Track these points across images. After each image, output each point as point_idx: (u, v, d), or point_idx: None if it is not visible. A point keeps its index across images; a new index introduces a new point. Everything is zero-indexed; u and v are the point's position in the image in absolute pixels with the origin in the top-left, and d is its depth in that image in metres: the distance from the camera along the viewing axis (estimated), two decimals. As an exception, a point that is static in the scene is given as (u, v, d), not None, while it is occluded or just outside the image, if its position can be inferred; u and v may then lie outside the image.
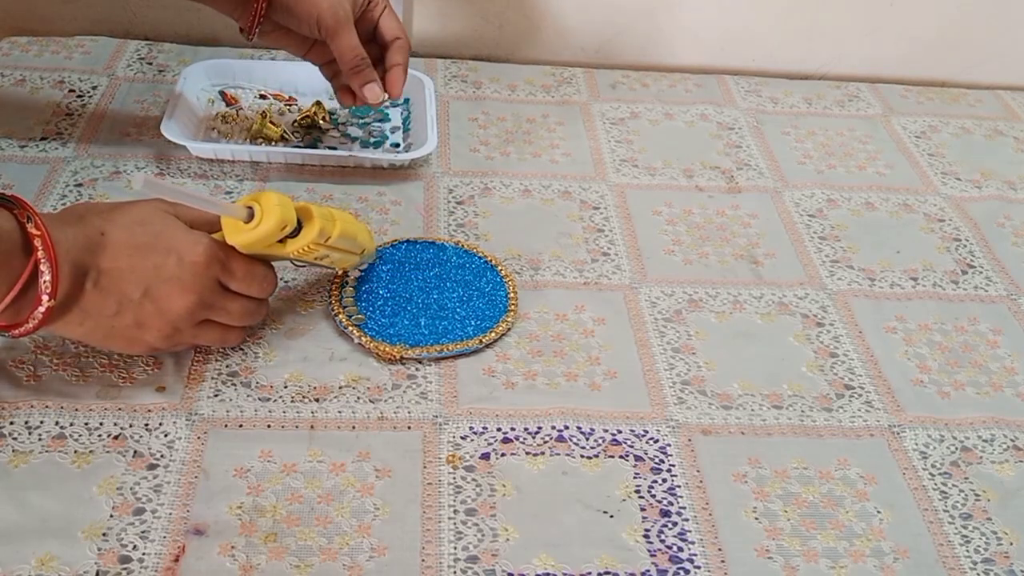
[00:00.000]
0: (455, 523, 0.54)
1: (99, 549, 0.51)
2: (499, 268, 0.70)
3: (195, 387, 0.60)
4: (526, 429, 0.60)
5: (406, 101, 0.88)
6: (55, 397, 0.58)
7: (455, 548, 0.53)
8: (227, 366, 0.62)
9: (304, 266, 0.67)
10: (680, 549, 0.54)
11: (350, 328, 0.64)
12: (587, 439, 0.60)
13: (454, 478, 0.57)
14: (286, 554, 0.52)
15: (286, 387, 0.61)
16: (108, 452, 0.56)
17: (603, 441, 0.60)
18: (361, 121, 0.86)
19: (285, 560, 0.51)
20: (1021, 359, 0.69)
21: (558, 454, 0.59)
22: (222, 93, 0.87)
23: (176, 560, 0.51)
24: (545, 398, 0.62)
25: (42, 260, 0.49)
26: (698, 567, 0.53)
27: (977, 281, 0.76)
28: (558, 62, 1.00)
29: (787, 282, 0.74)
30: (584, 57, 1.02)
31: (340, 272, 0.68)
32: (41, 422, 0.57)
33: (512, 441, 0.59)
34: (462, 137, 0.86)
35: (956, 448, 0.62)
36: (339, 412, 0.60)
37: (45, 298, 0.50)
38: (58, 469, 0.55)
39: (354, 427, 0.59)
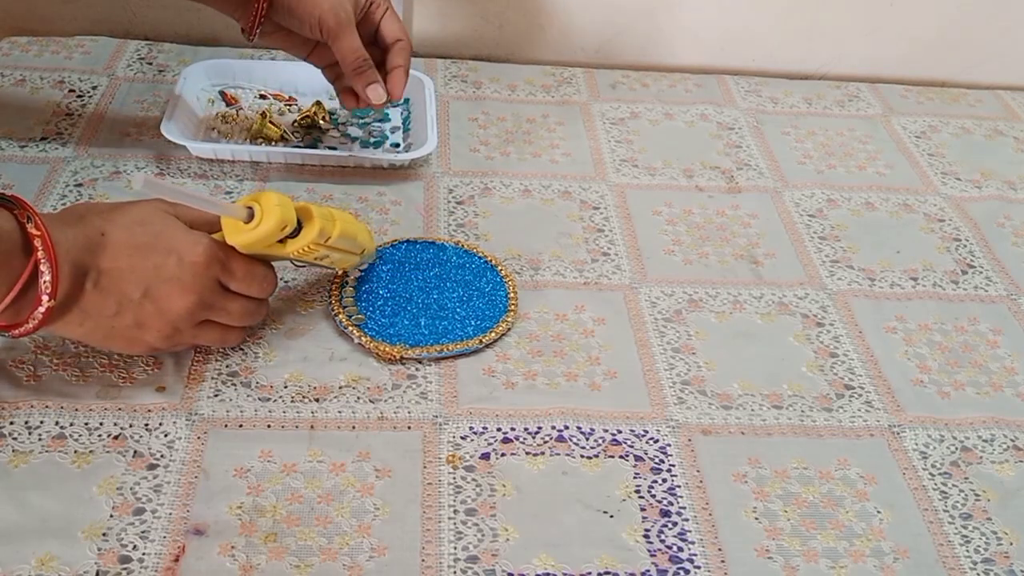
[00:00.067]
0: (455, 523, 0.54)
1: (99, 549, 0.51)
2: (499, 268, 0.70)
3: (195, 387, 0.60)
4: (526, 429, 0.60)
5: (406, 101, 0.88)
6: (55, 397, 0.58)
7: (455, 548, 0.53)
8: (227, 366, 0.62)
9: (304, 266, 0.67)
10: (680, 549, 0.54)
11: (350, 328, 0.64)
12: (587, 439, 0.60)
13: (454, 478, 0.57)
14: (286, 554, 0.52)
15: (286, 387, 0.61)
16: (108, 452, 0.56)
17: (603, 441, 0.60)
18: (361, 121, 0.86)
19: (285, 560, 0.51)
20: (1021, 359, 0.69)
21: (558, 454, 0.59)
22: (222, 93, 0.87)
23: (176, 560, 0.51)
24: (545, 398, 0.62)
25: (42, 260, 0.49)
26: (698, 567, 0.53)
27: (977, 281, 0.76)
28: (558, 62, 1.00)
29: (787, 282, 0.74)
30: (584, 57, 1.02)
31: (340, 272, 0.68)
32: (41, 422, 0.57)
33: (512, 441, 0.59)
34: (462, 137, 0.86)
35: (956, 448, 0.62)
36: (339, 412, 0.60)
37: (45, 298, 0.50)
38: (58, 469, 0.55)
39: (354, 427, 0.59)
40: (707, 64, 1.02)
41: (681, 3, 0.99)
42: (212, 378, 0.61)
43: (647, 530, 0.55)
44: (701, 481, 0.58)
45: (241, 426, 0.58)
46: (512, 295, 0.68)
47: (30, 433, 0.56)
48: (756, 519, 0.56)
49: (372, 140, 0.84)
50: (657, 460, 0.59)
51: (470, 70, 0.96)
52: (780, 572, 0.54)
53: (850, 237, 0.79)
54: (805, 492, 0.58)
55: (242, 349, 0.63)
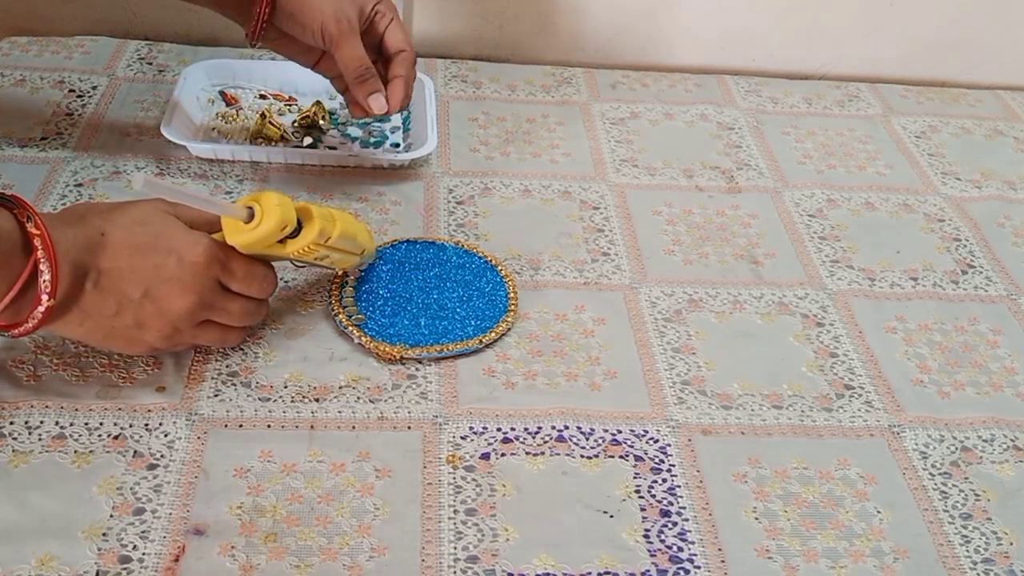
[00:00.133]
0: (455, 523, 0.54)
1: (99, 549, 0.51)
2: (499, 268, 0.70)
3: (195, 387, 0.60)
4: (526, 429, 0.60)
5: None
6: (55, 397, 0.58)
7: (455, 548, 0.53)
8: (227, 366, 0.62)
9: (304, 266, 0.67)
10: (680, 549, 0.54)
11: (350, 328, 0.64)
12: (587, 439, 0.60)
13: (454, 478, 0.57)
14: (286, 554, 0.52)
15: (286, 387, 0.61)
16: (108, 452, 0.56)
17: (603, 441, 0.60)
18: (361, 121, 0.86)
19: (285, 560, 0.51)
20: (1021, 359, 0.69)
21: (558, 454, 0.59)
22: (222, 93, 0.87)
23: (176, 560, 0.51)
24: (545, 398, 0.62)
25: (42, 260, 0.49)
26: (698, 567, 0.53)
27: (977, 281, 0.76)
28: (558, 62, 1.00)
29: (787, 282, 0.74)
30: (584, 57, 1.02)
31: (340, 272, 0.68)
32: (41, 422, 0.57)
33: (512, 441, 0.59)
34: (462, 137, 0.86)
35: (956, 448, 0.62)
36: (339, 412, 0.60)
37: (45, 298, 0.50)
38: (58, 469, 0.55)
39: (354, 427, 0.59)
40: (707, 64, 1.02)
41: (681, 3, 0.99)
42: (212, 378, 0.61)
43: (647, 530, 0.55)
44: (701, 481, 0.58)
45: (241, 426, 0.58)
46: (512, 295, 0.68)
47: (30, 433, 0.56)
48: (756, 519, 0.56)
49: (372, 140, 0.84)
50: (657, 460, 0.59)
51: (470, 70, 0.96)
52: (780, 572, 0.54)
53: (850, 237, 0.79)
54: (805, 492, 0.58)
55: (242, 349, 0.63)
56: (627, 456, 0.59)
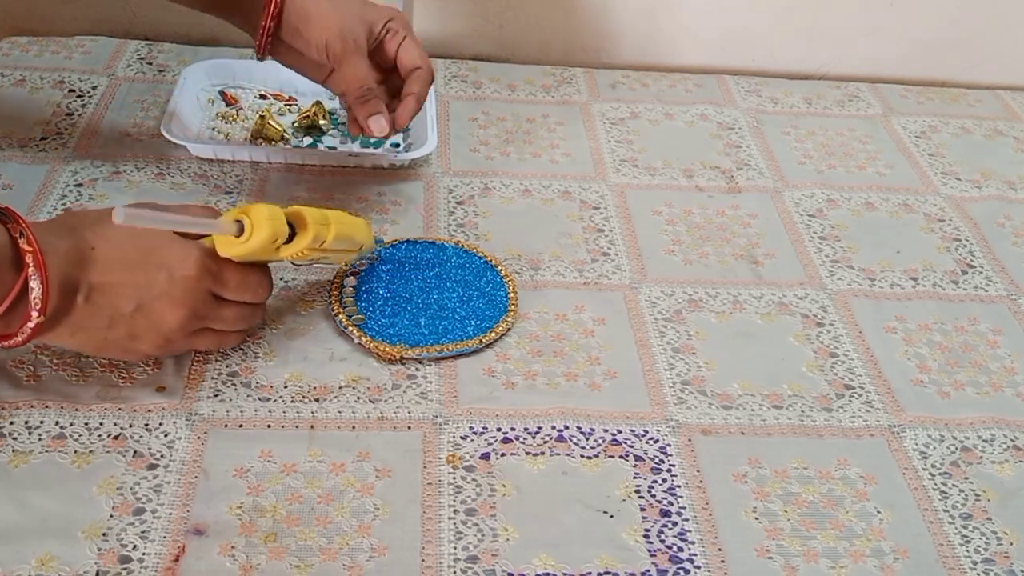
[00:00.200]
0: (455, 523, 0.54)
1: (99, 549, 0.51)
2: (499, 268, 0.70)
3: (195, 387, 0.60)
4: (526, 429, 0.60)
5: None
6: (55, 397, 0.58)
7: (455, 548, 0.53)
8: (227, 366, 0.62)
9: (303, 265, 0.67)
10: (680, 549, 0.54)
11: (350, 328, 0.64)
12: (587, 439, 0.60)
13: (454, 478, 0.57)
14: (286, 554, 0.52)
15: (286, 387, 0.61)
16: (108, 452, 0.56)
17: (603, 441, 0.60)
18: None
19: (285, 560, 0.51)
20: (1021, 359, 0.69)
21: (558, 454, 0.59)
22: (222, 93, 0.87)
23: (176, 560, 0.51)
24: (545, 398, 0.62)
25: (32, 276, 0.49)
26: (698, 567, 0.53)
27: (977, 281, 0.76)
28: (558, 62, 1.00)
29: (787, 282, 0.74)
30: (584, 57, 1.02)
31: (340, 272, 0.68)
32: (41, 422, 0.57)
33: (512, 441, 0.59)
34: (462, 137, 0.86)
35: (956, 448, 0.62)
36: (339, 412, 0.60)
37: (35, 314, 0.50)
38: (58, 469, 0.55)
39: (354, 427, 0.59)
40: (707, 64, 1.02)
41: (681, 3, 0.99)
42: (212, 378, 0.61)
43: (647, 530, 0.55)
44: (701, 481, 0.58)
45: (241, 426, 0.58)
46: (512, 295, 0.68)
47: (30, 433, 0.56)
48: (756, 519, 0.56)
49: (372, 140, 0.84)
50: (657, 460, 0.59)
51: (470, 70, 0.96)
52: (780, 572, 0.54)
53: (850, 237, 0.79)
54: (805, 492, 0.58)
55: (242, 349, 0.63)
56: (627, 456, 0.59)
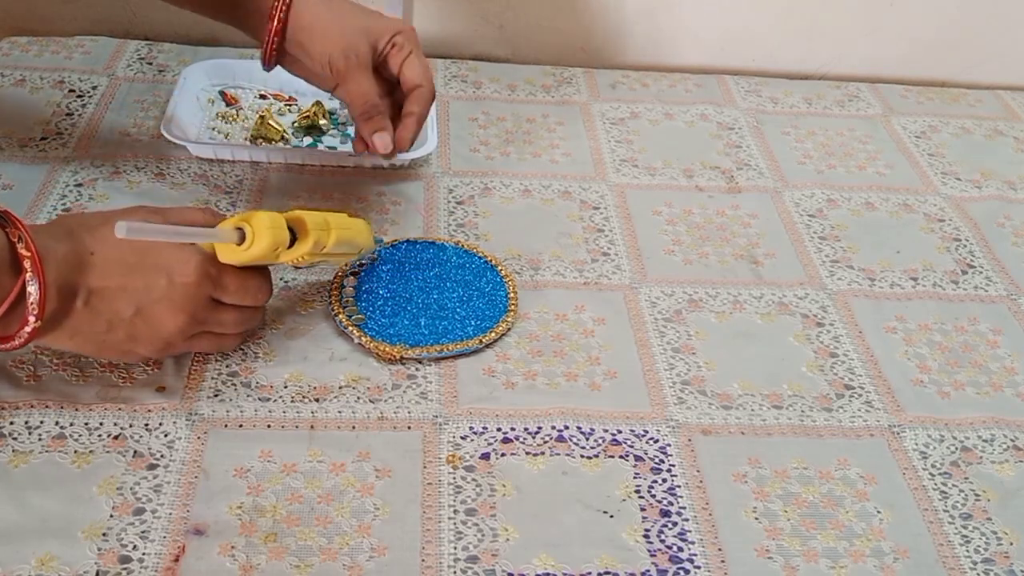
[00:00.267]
0: (455, 523, 0.54)
1: (99, 549, 0.51)
2: (499, 268, 0.70)
3: (195, 387, 0.60)
4: (526, 429, 0.60)
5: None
6: (55, 397, 0.58)
7: (455, 548, 0.53)
8: (227, 366, 0.62)
9: (304, 267, 0.67)
10: (680, 549, 0.54)
11: (350, 328, 0.64)
12: (587, 439, 0.60)
13: (454, 478, 0.57)
14: (286, 554, 0.52)
15: (286, 387, 0.61)
16: (108, 452, 0.56)
17: (603, 441, 0.60)
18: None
19: (285, 560, 0.51)
20: (1021, 359, 0.69)
21: (558, 454, 0.59)
22: (222, 93, 0.87)
23: (176, 560, 0.51)
24: (545, 398, 0.62)
25: (29, 281, 0.49)
26: (698, 567, 0.53)
27: (977, 281, 0.76)
28: (558, 62, 1.00)
29: (787, 282, 0.74)
30: (584, 57, 1.02)
31: (340, 271, 0.68)
32: (41, 422, 0.57)
33: (512, 441, 0.59)
34: (462, 137, 0.86)
35: (956, 448, 0.62)
36: (339, 412, 0.60)
37: (32, 319, 0.50)
38: (58, 469, 0.55)
39: (354, 427, 0.59)
40: (707, 64, 1.02)
41: (681, 3, 0.99)
42: (212, 378, 0.61)
43: (647, 530, 0.55)
44: (701, 481, 0.58)
45: (241, 426, 0.58)
46: (512, 295, 0.68)
47: (30, 433, 0.56)
48: (756, 519, 0.56)
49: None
50: (657, 460, 0.59)
51: (470, 70, 0.96)
52: (780, 572, 0.54)
53: (850, 237, 0.79)
54: (805, 492, 0.58)
55: (242, 349, 0.63)
56: (627, 456, 0.59)
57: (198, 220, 0.57)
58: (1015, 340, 0.71)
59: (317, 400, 0.60)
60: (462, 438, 0.59)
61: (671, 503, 0.57)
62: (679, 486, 0.58)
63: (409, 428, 0.59)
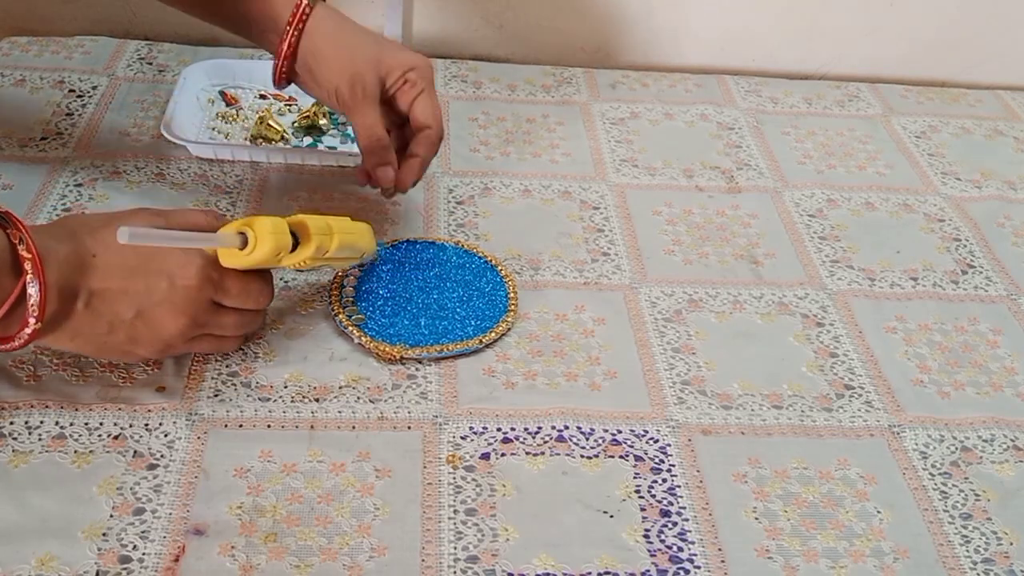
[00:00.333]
0: (455, 523, 0.54)
1: (99, 549, 0.51)
2: (499, 268, 0.70)
3: (195, 387, 0.60)
4: (526, 429, 0.60)
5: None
6: (55, 397, 0.58)
7: (455, 548, 0.53)
8: (227, 366, 0.62)
9: (306, 269, 0.67)
10: (680, 549, 0.54)
11: (350, 328, 0.64)
12: (587, 439, 0.60)
13: (454, 478, 0.57)
14: (286, 554, 0.52)
15: (286, 387, 0.61)
16: (108, 452, 0.56)
17: (603, 441, 0.60)
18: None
19: (285, 560, 0.51)
20: (1021, 359, 0.69)
21: (558, 454, 0.59)
22: (222, 93, 0.87)
23: (176, 560, 0.51)
24: (545, 398, 0.62)
25: (30, 283, 0.49)
26: (698, 567, 0.53)
27: (977, 281, 0.76)
28: (558, 62, 1.00)
29: (787, 282, 0.74)
30: (584, 57, 1.02)
31: (340, 272, 0.68)
32: (41, 422, 0.57)
33: (512, 441, 0.59)
34: (462, 137, 0.86)
35: (956, 448, 0.62)
36: (339, 412, 0.60)
37: (32, 320, 0.50)
38: (58, 469, 0.55)
39: (354, 427, 0.59)
40: (707, 64, 1.02)
41: (681, 3, 0.99)
42: (212, 378, 0.61)
43: (647, 530, 0.55)
44: (701, 481, 0.58)
45: (241, 426, 0.58)
46: (512, 295, 0.68)
47: (30, 433, 0.56)
48: (756, 519, 0.56)
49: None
50: (657, 460, 0.59)
51: (470, 70, 0.96)
52: (780, 572, 0.54)
53: (850, 237, 0.79)
54: (805, 492, 0.58)
55: (242, 349, 0.63)
56: (627, 456, 0.59)
57: (200, 222, 0.57)
58: (1015, 340, 0.71)
59: (317, 400, 0.60)
60: (462, 438, 0.59)
61: (671, 503, 0.57)
62: (679, 486, 0.58)
63: (409, 428, 0.59)
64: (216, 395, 0.60)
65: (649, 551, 0.54)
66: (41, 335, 0.51)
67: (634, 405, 0.62)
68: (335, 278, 0.68)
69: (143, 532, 0.52)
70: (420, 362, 0.64)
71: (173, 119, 0.79)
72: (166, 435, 0.57)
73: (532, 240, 0.75)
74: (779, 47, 1.02)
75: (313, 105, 0.85)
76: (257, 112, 0.85)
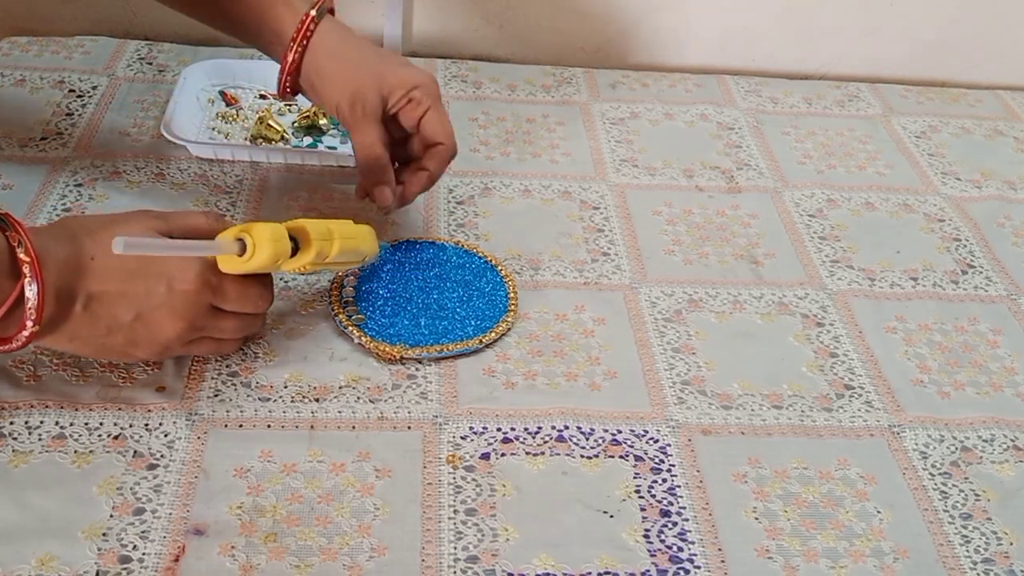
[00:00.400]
0: (455, 523, 0.54)
1: (99, 549, 0.51)
2: (499, 268, 0.70)
3: (195, 387, 0.60)
4: (526, 429, 0.60)
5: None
6: (55, 397, 0.58)
7: (455, 548, 0.53)
8: (227, 366, 0.62)
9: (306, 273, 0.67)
10: (680, 549, 0.54)
11: (350, 328, 0.64)
12: (587, 439, 0.60)
13: (454, 478, 0.57)
14: (286, 554, 0.52)
15: (286, 387, 0.61)
16: (108, 452, 0.56)
17: (603, 441, 0.60)
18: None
19: (285, 560, 0.51)
20: (1021, 359, 0.69)
21: (558, 454, 0.59)
22: (222, 93, 0.87)
23: (176, 560, 0.51)
24: (545, 398, 0.62)
25: (28, 285, 0.49)
26: (698, 567, 0.53)
27: (977, 281, 0.76)
28: (558, 62, 1.00)
29: (787, 282, 0.74)
30: (584, 57, 1.02)
31: (340, 272, 0.68)
32: (41, 422, 0.57)
33: (512, 441, 0.59)
34: (462, 137, 0.86)
35: (956, 448, 0.62)
36: (339, 412, 0.60)
37: (29, 323, 0.50)
38: (58, 469, 0.55)
39: (354, 427, 0.59)
40: (707, 64, 1.02)
41: (681, 3, 0.99)
42: (212, 378, 0.61)
43: (647, 530, 0.55)
44: (701, 481, 0.58)
45: (241, 426, 0.58)
46: (512, 295, 0.68)
47: (30, 433, 0.56)
48: (756, 519, 0.56)
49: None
50: (657, 460, 0.59)
51: (470, 70, 0.96)
52: (780, 572, 0.54)
53: (850, 237, 0.79)
54: (805, 492, 0.58)
55: (242, 349, 0.63)
56: (627, 456, 0.59)
57: (200, 224, 0.57)
58: (1015, 340, 0.71)
59: (317, 400, 0.60)
60: (462, 438, 0.59)
61: (671, 503, 0.57)
62: (679, 486, 0.58)
63: (409, 428, 0.59)
64: (216, 395, 0.60)
65: (649, 551, 0.54)
66: (39, 337, 0.51)
67: (634, 405, 0.62)
68: (335, 278, 0.68)
69: (143, 532, 0.52)
70: (420, 362, 0.64)
71: (173, 119, 0.79)
72: (166, 435, 0.57)
73: (532, 240, 0.75)
74: (779, 47, 1.02)
75: (313, 105, 0.85)
76: (257, 112, 0.85)
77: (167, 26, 0.97)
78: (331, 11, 0.67)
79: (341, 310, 0.65)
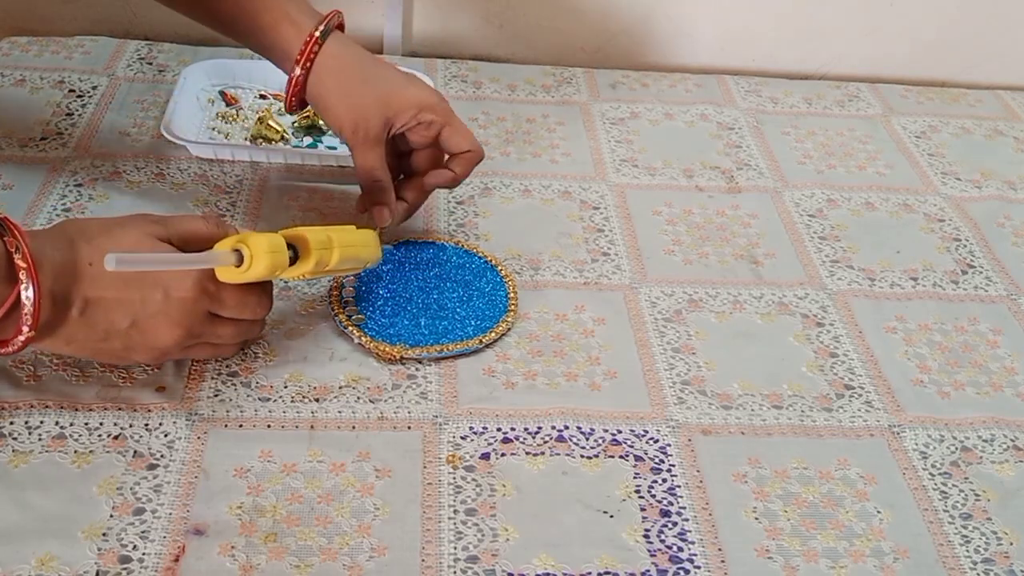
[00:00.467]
0: (455, 523, 0.54)
1: (99, 549, 0.51)
2: (499, 268, 0.70)
3: (195, 387, 0.60)
4: (526, 429, 0.60)
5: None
6: (55, 397, 0.58)
7: (455, 548, 0.53)
8: (227, 366, 0.62)
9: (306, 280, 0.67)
10: (680, 549, 0.54)
11: (350, 328, 0.64)
12: (587, 439, 0.60)
13: (454, 478, 0.57)
14: (286, 554, 0.52)
15: (286, 387, 0.61)
16: (108, 452, 0.56)
17: (603, 441, 0.60)
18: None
19: (285, 560, 0.51)
20: (1021, 359, 0.69)
21: (558, 454, 0.59)
22: (222, 93, 0.87)
23: (176, 560, 0.51)
24: (545, 398, 0.62)
25: (24, 291, 0.49)
26: (698, 567, 0.53)
27: (977, 281, 0.76)
28: (558, 62, 1.00)
29: (787, 282, 0.74)
30: (584, 57, 1.02)
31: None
32: (41, 422, 0.57)
33: (512, 441, 0.59)
34: (462, 137, 0.86)
35: (956, 448, 0.62)
36: (339, 412, 0.60)
37: (25, 328, 0.50)
38: (58, 469, 0.55)
39: (354, 427, 0.59)
40: (707, 64, 1.02)
41: (681, 3, 0.99)
42: (212, 378, 0.61)
43: (647, 530, 0.55)
44: (701, 481, 0.58)
45: (241, 426, 0.58)
46: (512, 295, 0.68)
47: (30, 433, 0.56)
48: (756, 519, 0.56)
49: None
50: (657, 460, 0.59)
51: (470, 70, 0.96)
52: (780, 572, 0.54)
53: (850, 237, 0.79)
54: (805, 492, 0.58)
55: (242, 349, 0.63)
56: (627, 456, 0.59)
57: (200, 230, 0.57)
58: (1015, 340, 0.71)
59: (317, 400, 0.60)
60: (462, 438, 0.59)
61: (671, 503, 0.57)
62: (679, 486, 0.58)
63: (409, 428, 0.59)
64: (216, 395, 0.60)
65: (649, 551, 0.54)
66: (35, 341, 0.51)
67: (634, 405, 0.62)
68: (335, 278, 0.68)
69: (143, 532, 0.52)
70: (420, 362, 0.64)
71: (173, 119, 0.79)
72: (166, 435, 0.57)
73: (532, 240, 0.75)
74: (779, 47, 1.02)
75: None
76: (257, 112, 0.85)
77: (167, 26, 0.97)
78: (340, 26, 0.67)
79: (341, 310, 0.65)
